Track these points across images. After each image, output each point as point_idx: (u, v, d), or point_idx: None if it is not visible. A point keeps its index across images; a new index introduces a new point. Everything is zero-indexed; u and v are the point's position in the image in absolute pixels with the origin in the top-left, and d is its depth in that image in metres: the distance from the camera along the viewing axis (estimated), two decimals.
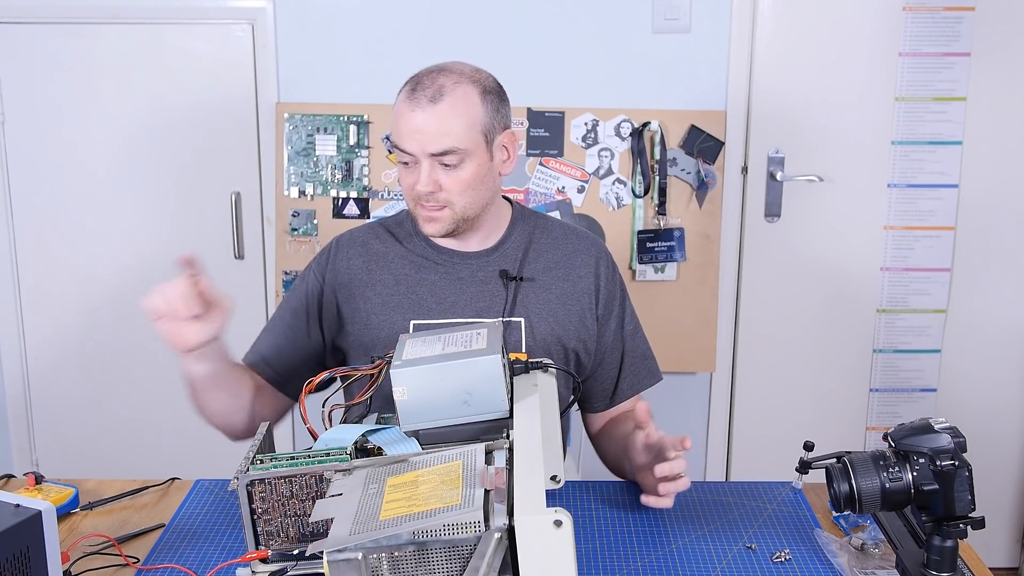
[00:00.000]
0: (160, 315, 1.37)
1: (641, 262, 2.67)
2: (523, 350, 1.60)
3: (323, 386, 1.47)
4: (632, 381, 1.73)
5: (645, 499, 1.46)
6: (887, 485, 1.20)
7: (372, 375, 1.30)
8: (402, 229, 1.68)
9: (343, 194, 2.65)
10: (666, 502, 1.44)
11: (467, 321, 1.58)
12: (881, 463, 1.21)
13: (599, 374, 1.71)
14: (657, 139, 2.63)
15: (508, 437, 1.14)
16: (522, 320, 1.61)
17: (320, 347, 1.66)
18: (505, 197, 1.70)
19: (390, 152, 2.64)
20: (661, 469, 1.41)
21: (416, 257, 1.65)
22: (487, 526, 0.94)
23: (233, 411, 1.55)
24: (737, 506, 1.53)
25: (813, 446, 1.46)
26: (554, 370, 1.30)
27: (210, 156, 2.73)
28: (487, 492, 0.99)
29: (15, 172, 2.73)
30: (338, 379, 1.37)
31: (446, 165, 1.51)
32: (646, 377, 1.75)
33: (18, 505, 1.14)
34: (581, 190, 2.66)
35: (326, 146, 2.64)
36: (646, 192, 2.65)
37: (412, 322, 1.60)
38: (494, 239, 1.65)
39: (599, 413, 1.75)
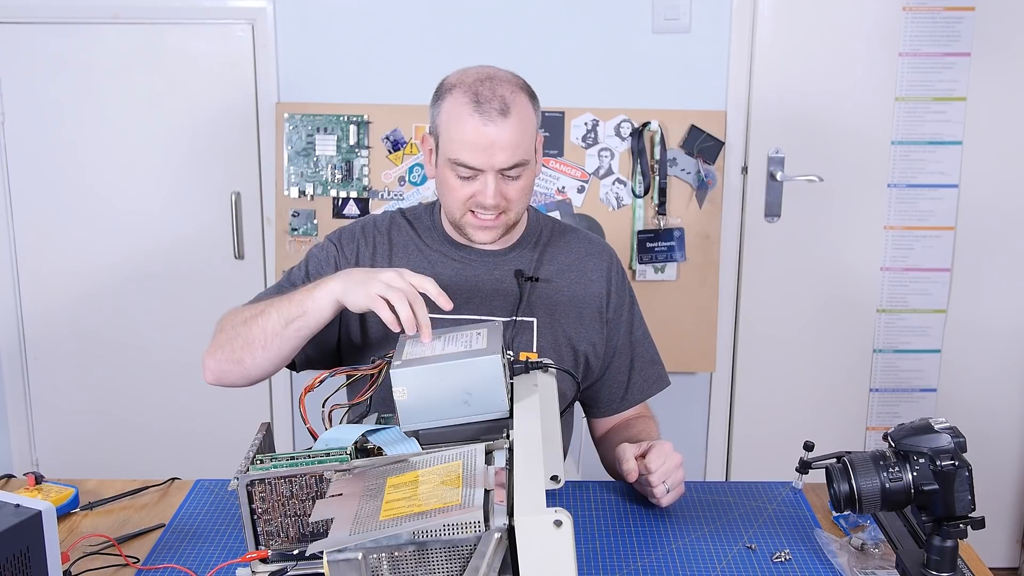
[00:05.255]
0: (399, 321, 1.33)
1: (641, 262, 2.67)
2: (534, 350, 1.60)
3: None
4: (642, 387, 1.73)
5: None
6: (887, 485, 1.20)
7: (372, 375, 1.30)
8: (420, 222, 1.68)
9: (343, 194, 2.65)
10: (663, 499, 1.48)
11: (478, 319, 1.59)
12: (881, 463, 1.21)
13: (607, 378, 1.71)
14: (657, 139, 2.63)
15: (508, 437, 1.14)
16: (534, 320, 1.62)
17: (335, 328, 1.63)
18: None
19: (390, 152, 2.64)
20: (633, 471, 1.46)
21: (433, 252, 1.64)
22: (487, 526, 0.94)
23: (287, 356, 1.50)
24: (737, 506, 1.53)
25: (813, 446, 1.46)
26: (554, 370, 1.30)
27: (210, 156, 2.72)
28: (487, 492, 0.99)
29: (15, 172, 2.73)
30: (337, 378, 1.37)
31: (510, 177, 1.51)
32: (655, 383, 1.75)
33: (18, 505, 1.14)
34: (581, 190, 2.66)
35: (326, 146, 2.64)
36: (646, 192, 2.65)
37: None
38: (512, 239, 1.66)
39: (605, 418, 1.75)
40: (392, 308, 1.32)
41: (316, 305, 1.42)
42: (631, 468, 1.47)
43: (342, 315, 1.59)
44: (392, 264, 1.63)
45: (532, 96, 1.55)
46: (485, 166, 1.49)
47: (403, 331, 1.32)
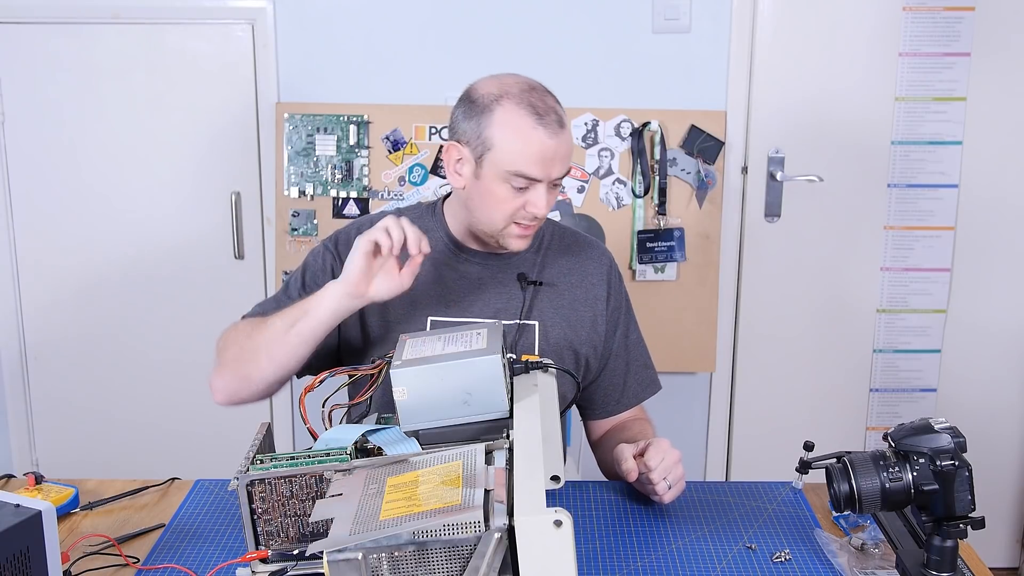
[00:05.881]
0: (384, 248, 1.41)
1: (641, 262, 2.67)
2: (536, 353, 1.60)
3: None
4: (636, 390, 1.74)
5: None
6: (887, 485, 1.20)
7: (372, 375, 1.30)
8: (422, 223, 1.66)
9: (343, 194, 2.65)
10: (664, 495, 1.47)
11: (484, 321, 1.58)
12: (881, 463, 1.21)
13: (603, 380, 1.72)
14: (657, 139, 2.63)
15: (508, 437, 1.14)
16: (536, 324, 1.62)
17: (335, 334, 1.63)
18: None
19: (390, 152, 2.64)
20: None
21: (436, 254, 1.63)
22: (487, 526, 0.94)
23: (294, 366, 1.51)
24: (737, 506, 1.53)
25: (813, 446, 1.47)
26: (554, 370, 1.30)
27: (210, 156, 2.73)
28: (487, 492, 0.99)
29: (15, 172, 2.73)
30: (337, 378, 1.36)
31: (556, 185, 1.53)
32: (649, 386, 1.76)
33: (18, 505, 1.14)
34: (581, 190, 2.66)
35: (326, 146, 2.64)
36: (646, 192, 2.65)
37: (430, 319, 1.59)
38: None
39: (601, 420, 1.75)
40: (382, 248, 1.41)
41: (317, 301, 1.44)
42: (630, 467, 1.47)
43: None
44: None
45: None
46: (545, 177, 1.49)
47: (404, 253, 1.39)
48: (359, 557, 0.94)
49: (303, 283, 1.64)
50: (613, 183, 2.66)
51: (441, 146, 1.58)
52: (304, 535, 1.13)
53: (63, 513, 1.48)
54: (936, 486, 1.19)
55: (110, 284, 2.79)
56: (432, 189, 2.63)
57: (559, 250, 1.69)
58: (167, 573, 1.34)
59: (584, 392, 1.72)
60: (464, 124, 1.52)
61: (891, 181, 2.75)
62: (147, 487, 1.59)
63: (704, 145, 2.65)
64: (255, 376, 1.51)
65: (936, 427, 1.21)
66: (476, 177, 1.52)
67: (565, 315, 1.64)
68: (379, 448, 1.16)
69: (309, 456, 1.13)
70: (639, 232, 2.66)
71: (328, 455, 1.13)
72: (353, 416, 1.42)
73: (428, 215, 1.68)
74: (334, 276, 1.59)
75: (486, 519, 0.95)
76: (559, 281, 1.66)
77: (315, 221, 2.66)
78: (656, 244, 2.66)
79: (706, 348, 2.73)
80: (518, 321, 1.60)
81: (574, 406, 1.76)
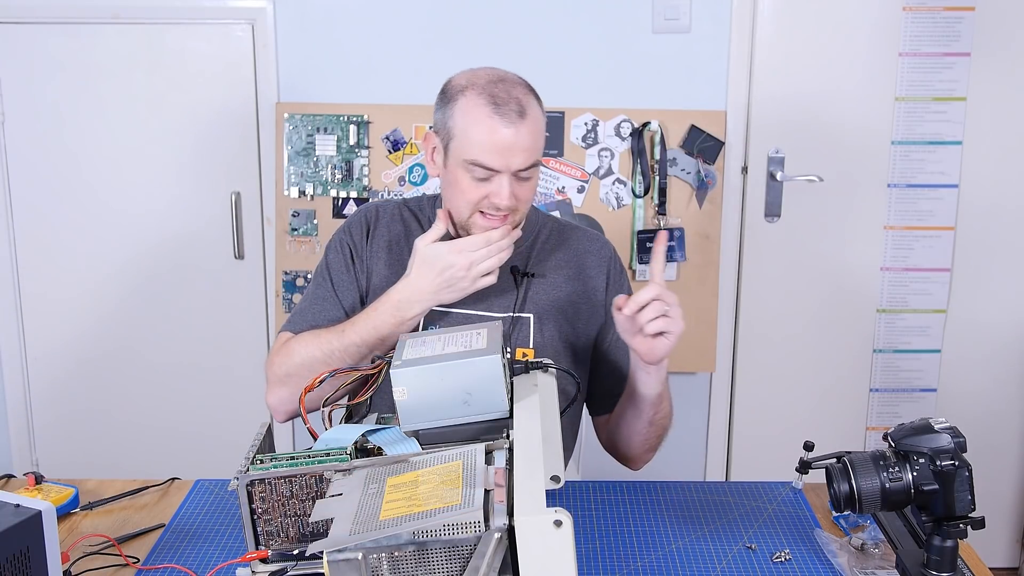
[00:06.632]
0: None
1: (641, 262, 2.67)
2: (531, 346, 1.60)
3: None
4: None
5: (638, 353, 1.45)
6: (887, 485, 1.20)
7: (372, 375, 1.30)
8: (423, 215, 1.69)
9: (343, 194, 2.65)
10: (656, 343, 1.42)
11: (476, 313, 1.59)
12: (881, 463, 1.21)
13: (604, 375, 1.71)
14: (657, 139, 2.63)
15: (508, 437, 1.14)
16: (531, 316, 1.62)
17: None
18: None
19: (390, 152, 2.64)
20: (624, 303, 1.41)
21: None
22: (487, 526, 0.94)
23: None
24: (737, 506, 1.53)
25: (813, 446, 1.47)
26: (554, 370, 1.30)
27: (210, 156, 2.72)
28: (487, 492, 0.99)
29: (15, 172, 2.73)
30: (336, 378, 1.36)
31: (523, 177, 1.52)
32: None
33: (18, 505, 1.14)
34: (581, 190, 2.66)
35: (326, 146, 2.64)
36: (646, 192, 2.65)
37: None
38: None
39: (608, 416, 1.73)
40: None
41: (385, 327, 1.52)
42: (620, 301, 1.42)
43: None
44: (387, 258, 1.65)
45: (539, 99, 1.56)
46: (503, 167, 1.49)
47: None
48: (359, 557, 0.94)
49: (332, 283, 1.67)
50: (613, 183, 2.66)
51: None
52: (304, 535, 1.13)
53: (63, 513, 1.48)
54: (936, 486, 1.19)
55: (110, 284, 2.79)
56: (433, 187, 2.63)
57: (557, 244, 1.69)
58: (167, 573, 1.34)
59: (589, 384, 1.71)
60: (436, 114, 1.57)
61: (891, 181, 2.75)
62: (147, 487, 1.59)
63: (704, 145, 2.65)
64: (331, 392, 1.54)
65: (936, 427, 1.21)
66: (444, 166, 1.56)
67: (561, 309, 1.64)
68: (379, 448, 1.16)
69: (309, 456, 1.13)
70: (639, 232, 2.66)
71: (328, 455, 1.13)
72: (353, 416, 1.42)
73: (428, 206, 1.71)
74: (356, 271, 1.65)
75: (486, 519, 0.95)
76: (554, 274, 1.66)
77: (315, 221, 2.66)
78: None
79: (706, 348, 2.73)
80: (511, 314, 1.60)
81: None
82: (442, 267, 1.49)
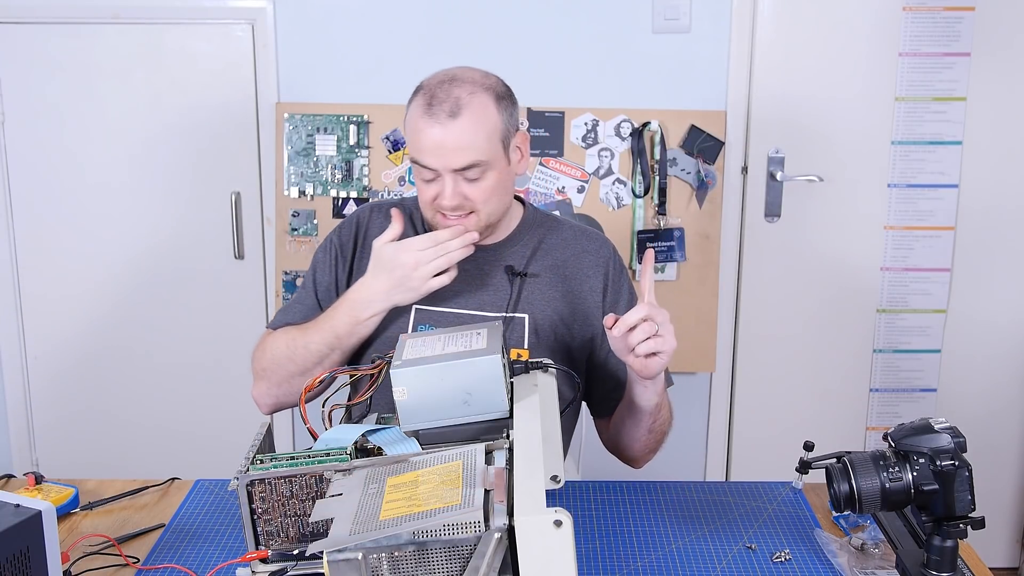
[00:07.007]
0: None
1: (641, 263, 2.66)
2: (525, 346, 1.60)
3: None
4: None
5: (632, 370, 1.43)
6: (887, 485, 1.20)
7: (372, 375, 1.30)
8: (418, 213, 1.69)
9: (343, 194, 2.65)
10: (648, 362, 1.38)
11: (469, 313, 1.59)
12: (881, 463, 1.21)
13: (605, 376, 1.70)
14: (657, 139, 2.63)
15: (508, 437, 1.14)
16: (526, 316, 1.61)
17: None
18: (517, 197, 1.70)
19: (390, 152, 2.64)
20: (614, 323, 1.37)
21: None
22: (487, 526, 0.94)
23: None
24: (737, 506, 1.53)
25: (813, 446, 1.47)
26: (554, 370, 1.30)
27: (210, 156, 2.72)
28: (487, 492, 0.99)
29: (15, 172, 2.73)
30: (338, 379, 1.37)
31: (470, 178, 1.51)
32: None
33: (18, 505, 1.14)
34: (581, 190, 2.66)
35: (326, 146, 2.64)
36: (646, 192, 2.65)
37: (414, 306, 1.60)
38: (502, 235, 1.65)
39: (609, 418, 1.72)
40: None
41: (358, 323, 1.54)
42: (609, 321, 1.39)
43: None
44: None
45: (500, 97, 1.53)
46: (440, 167, 1.50)
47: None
48: (359, 557, 0.94)
49: (314, 284, 1.69)
50: (613, 183, 2.66)
51: None
52: (304, 535, 1.13)
53: (63, 513, 1.48)
54: (936, 486, 1.19)
55: (110, 284, 2.79)
56: None
57: (554, 245, 1.68)
58: (167, 573, 1.34)
59: (588, 387, 1.70)
60: None
61: (891, 181, 2.75)
62: (147, 487, 1.59)
63: (704, 145, 2.65)
64: (296, 386, 1.59)
65: (936, 427, 1.21)
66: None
67: (557, 309, 1.63)
68: (379, 448, 1.16)
69: (309, 456, 1.13)
70: (639, 232, 2.66)
71: (328, 455, 1.13)
72: (353, 416, 1.42)
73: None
74: (338, 271, 1.66)
75: (486, 519, 0.95)
76: (550, 274, 1.65)
77: (315, 221, 2.66)
78: (656, 244, 2.66)
79: (706, 348, 2.73)
80: (504, 314, 1.60)
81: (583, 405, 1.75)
82: (392, 267, 1.51)
